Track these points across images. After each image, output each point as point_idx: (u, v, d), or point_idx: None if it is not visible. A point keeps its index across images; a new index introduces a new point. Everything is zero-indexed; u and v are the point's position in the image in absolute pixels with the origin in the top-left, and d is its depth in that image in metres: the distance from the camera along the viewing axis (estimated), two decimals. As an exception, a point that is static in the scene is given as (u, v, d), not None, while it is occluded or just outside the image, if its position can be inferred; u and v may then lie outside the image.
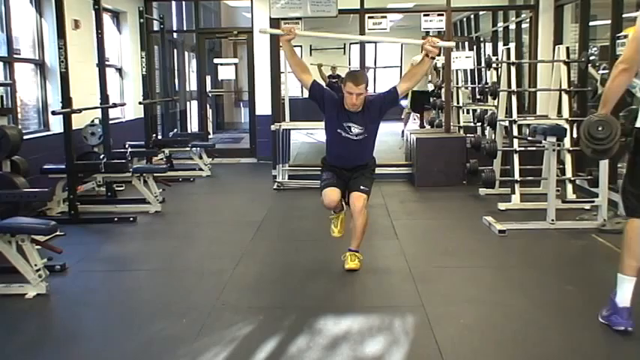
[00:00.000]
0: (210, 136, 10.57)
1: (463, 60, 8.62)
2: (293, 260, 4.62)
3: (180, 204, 6.66)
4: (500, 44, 9.24)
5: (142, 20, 8.01)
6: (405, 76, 4.29)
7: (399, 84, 4.13)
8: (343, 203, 4.31)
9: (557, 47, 6.48)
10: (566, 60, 6.27)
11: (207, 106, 10.73)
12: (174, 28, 11.51)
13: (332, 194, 4.10)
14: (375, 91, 13.71)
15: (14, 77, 6.15)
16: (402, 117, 11.17)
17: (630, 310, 3.08)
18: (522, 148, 6.23)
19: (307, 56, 16.11)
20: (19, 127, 5.85)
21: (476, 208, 6.01)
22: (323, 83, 12.42)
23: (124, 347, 3.13)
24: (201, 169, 8.41)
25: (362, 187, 4.11)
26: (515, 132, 6.23)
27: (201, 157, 8.56)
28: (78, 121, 6.21)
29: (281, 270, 4.40)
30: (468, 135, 7.88)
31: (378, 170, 8.11)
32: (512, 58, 6.42)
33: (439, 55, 3.72)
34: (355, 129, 4.03)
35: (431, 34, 10.49)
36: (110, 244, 5.09)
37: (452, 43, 5.60)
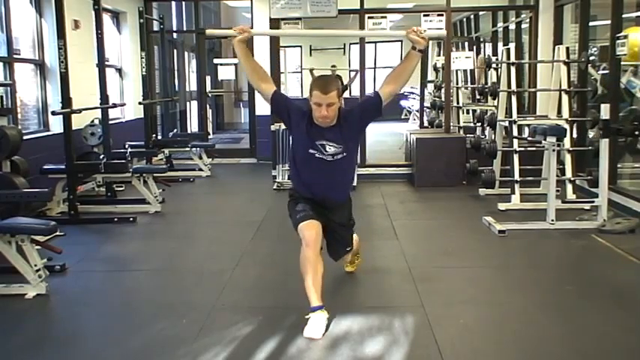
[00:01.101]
0: (210, 137, 10.56)
1: (463, 60, 8.62)
2: (293, 260, 4.58)
3: (180, 204, 6.65)
4: (500, 44, 9.24)
5: (141, 20, 8.00)
6: (390, 76, 3.38)
7: (382, 87, 3.35)
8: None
9: (557, 47, 6.48)
10: (566, 60, 6.27)
11: (207, 106, 10.72)
12: (174, 28, 11.52)
13: (312, 227, 3.28)
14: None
15: (14, 77, 6.15)
16: (402, 117, 11.14)
17: None
18: (522, 149, 6.23)
19: (307, 56, 16.15)
20: (19, 127, 5.85)
21: (476, 209, 6.01)
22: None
23: (124, 347, 3.13)
24: (201, 170, 8.41)
25: (347, 249, 3.69)
26: (515, 132, 6.23)
27: (201, 158, 8.57)
28: (78, 122, 6.21)
29: (281, 270, 4.39)
30: (467, 135, 7.89)
31: (377, 170, 8.14)
32: (512, 58, 6.42)
33: (427, 46, 3.24)
34: (331, 148, 3.29)
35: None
36: (110, 244, 5.09)
37: (442, 32, 4.73)
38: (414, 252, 4.69)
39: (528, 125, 6.23)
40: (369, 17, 7.69)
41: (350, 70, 15.33)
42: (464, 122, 8.87)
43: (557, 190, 5.50)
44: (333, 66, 12.76)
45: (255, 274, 4.30)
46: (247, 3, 9.25)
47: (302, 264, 3.29)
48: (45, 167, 5.88)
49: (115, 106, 6.91)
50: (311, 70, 12.78)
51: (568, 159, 6.06)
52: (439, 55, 10.74)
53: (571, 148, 6.06)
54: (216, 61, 12.19)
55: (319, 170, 3.34)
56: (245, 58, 3.38)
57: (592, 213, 5.45)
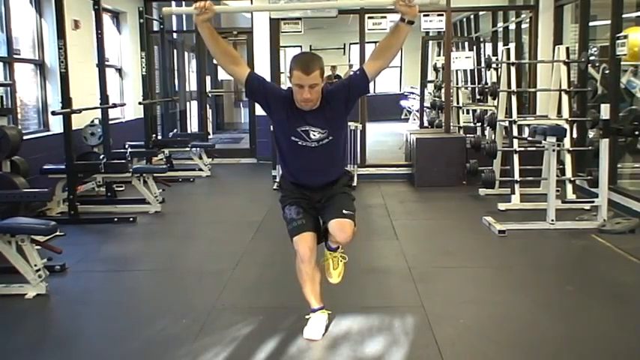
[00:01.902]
0: (210, 137, 10.57)
1: (463, 60, 8.62)
2: (293, 260, 4.60)
3: (180, 204, 6.66)
4: (500, 44, 9.24)
5: (141, 20, 8.01)
6: (375, 52, 3.02)
7: (367, 63, 3.02)
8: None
9: (557, 47, 6.48)
10: (566, 60, 6.27)
11: (207, 106, 10.73)
12: (174, 28, 11.52)
13: (306, 241, 3.03)
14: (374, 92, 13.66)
15: (14, 77, 6.16)
16: (402, 117, 11.15)
17: None
18: (522, 149, 6.23)
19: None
20: (19, 127, 5.86)
21: (476, 209, 6.01)
22: None
23: (124, 347, 3.14)
24: (201, 170, 8.41)
25: (344, 211, 3.03)
26: (515, 132, 6.23)
27: (201, 158, 8.57)
28: (78, 122, 6.22)
29: (281, 270, 4.38)
30: (467, 135, 7.89)
31: (377, 170, 8.12)
32: (512, 58, 6.42)
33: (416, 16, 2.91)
34: (315, 134, 2.99)
35: (431, 33, 10.59)
36: (110, 244, 5.09)
37: None
38: (414, 252, 4.69)
39: (528, 125, 6.23)
40: (369, 17, 7.70)
41: (349, 66, 15.32)
42: (464, 122, 8.88)
43: (557, 190, 5.50)
44: (334, 67, 12.77)
45: (255, 274, 4.29)
46: (247, 3, 9.24)
47: (298, 274, 3.17)
48: (45, 167, 5.89)
49: (115, 106, 6.91)
50: None
51: (568, 159, 6.06)
52: (439, 55, 10.75)
53: (571, 148, 6.06)
54: (215, 61, 12.19)
55: (304, 158, 3.05)
56: (211, 39, 2.96)
57: (592, 213, 5.45)
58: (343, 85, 3.11)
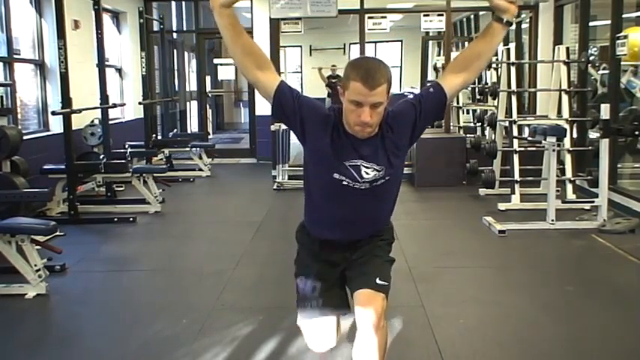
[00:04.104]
0: (210, 137, 10.57)
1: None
2: (293, 260, 4.61)
3: (180, 204, 6.65)
4: (500, 44, 9.24)
5: (141, 20, 8.01)
6: (458, 61, 2.24)
7: (446, 77, 2.20)
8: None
9: (557, 47, 6.48)
10: (566, 60, 6.27)
11: (207, 106, 10.74)
12: (174, 28, 11.52)
13: (324, 331, 2.33)
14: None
15: (14, 77, 6.15)
16: None
17: None
18: (522, 149, 6.24)
19: (307, 56, 16.13)
20: (19, 127, 5.85)
21: (476, 209, 6.01)
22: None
23: (124, 347, 3.14)
24: (201, 170, 8.42)
25: (378, 281, 2.19)
26: (515, 132, 6.23)
27: (201, 158, 8.57)
28: (78, 122, 6.21)
29: (281, 270, 4.37)
30: (467, 135, 7.89)
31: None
32: (512, 58, 6.43)
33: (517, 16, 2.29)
34: (369, 171, 2.12)
35: (431, 33, 10.59)
36: (110, 244, 5.09)
37: None
38: (414, 252, 4.69)
39: (528, 125, 6.23)
40: (369, 17, 7.71)
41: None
42: (464, 122, 8.88)
43: (557, 190, 5.50)
44: (334, 65, 12.75)
45: (255, 274, 4.29)
46: (247, 3, 9.23)
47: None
48: (45, 167, 5.88)
49: (115, 106, 6.90)
50: (319, 70, 12.63)
51: (568, 159, 6.06)
52: (439, 55, 10.75)
53: (571, 148, 6.06)
54: (216, 61, 12.19)
55: (347, 204, 2.18)
56: (232, 32, 2.04)
57: (592, 213, 5.45)
58: (411, 105, 2.17)
